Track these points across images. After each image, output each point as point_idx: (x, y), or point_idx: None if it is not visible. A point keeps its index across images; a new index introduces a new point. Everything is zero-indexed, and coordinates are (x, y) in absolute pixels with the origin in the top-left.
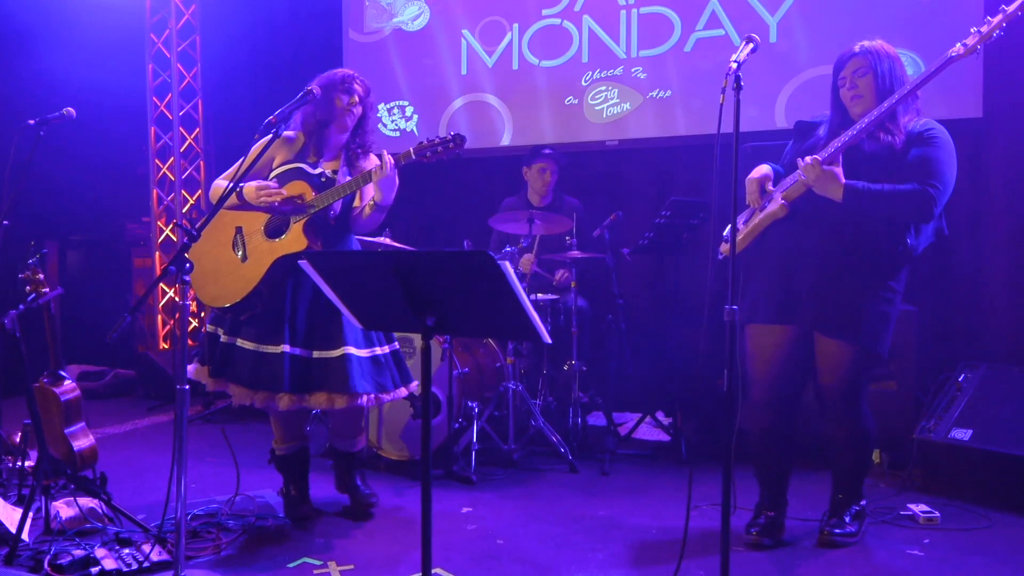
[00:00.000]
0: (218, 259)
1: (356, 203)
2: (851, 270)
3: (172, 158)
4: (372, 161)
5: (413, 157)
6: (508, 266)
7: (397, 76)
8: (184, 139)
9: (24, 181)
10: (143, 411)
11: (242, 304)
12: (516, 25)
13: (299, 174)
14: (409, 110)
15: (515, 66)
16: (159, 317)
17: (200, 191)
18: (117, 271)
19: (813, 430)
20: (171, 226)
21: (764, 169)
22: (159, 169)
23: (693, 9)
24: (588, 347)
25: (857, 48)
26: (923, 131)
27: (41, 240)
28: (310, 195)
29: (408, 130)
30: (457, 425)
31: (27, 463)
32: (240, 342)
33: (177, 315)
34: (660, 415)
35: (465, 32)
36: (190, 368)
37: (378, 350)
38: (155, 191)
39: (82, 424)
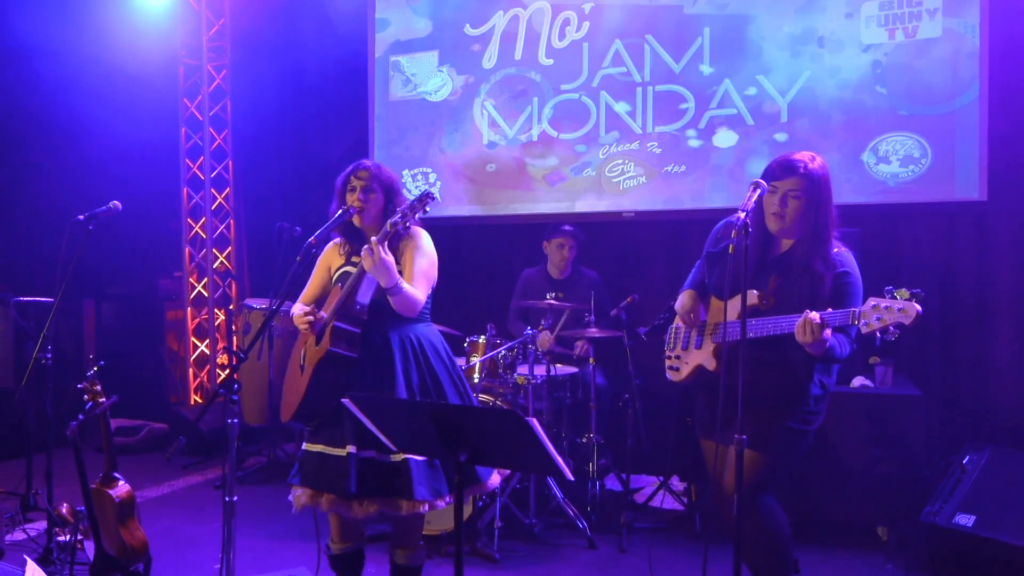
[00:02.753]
0: (292, 373)
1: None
2: (771, 400)
3: (204, 217)
4: (411, 237)
5: (388, 231)
6: (536, 423)
7: (421, 143)
8: (215, 199)
9: (75, 272)
10: (178, 469)
11: (299, 413)
12: (536, 98)
13: (343, 278)
14: (432, 176)
15: (535, 137)
16: (190, 370)
17: (231, 247)
18: (150, 323)
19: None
20: (203, 282)
21: (689, 304)
22: (191, 228)
23: (706, 88)
24: (606, 421)
25: (801, 168)
26: (839, 273)
27: (78, 296)
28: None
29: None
30: (481, 503)
31: (79, 536)
32: (308, 445)
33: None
34: (675, 479)
35: (487, 103)
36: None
37: None
38: (187, 249)
39: (134, 523)
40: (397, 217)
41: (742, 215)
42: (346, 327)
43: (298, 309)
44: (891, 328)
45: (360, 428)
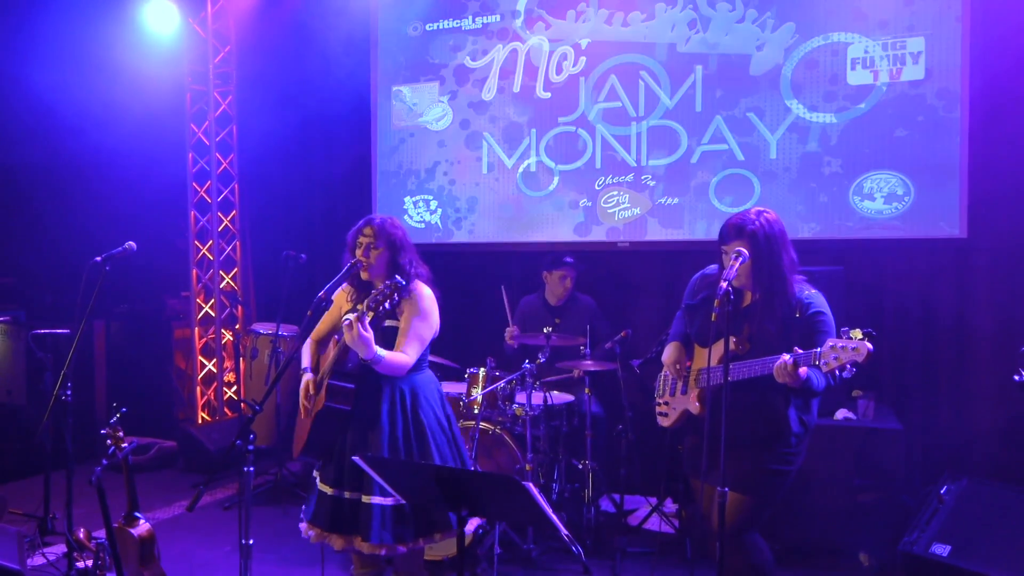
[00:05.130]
0: (300, 415)
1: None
2: (753, 443)
3: (211, 239)
4: (412, 298)
5: (364, 312)
6: (532, 487)
7: (422, 171)
8: (221, 221)
9: (91, 311)
10: (187, 487)
11: (303, 453)
12: (534, 130)
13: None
14: (433, 204)
15: (532, 168)
16: (198, 388)
17: (236, 268)
18: (159, 342)
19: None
20: (210, 303)
21: (675, 355)
22: (198, 250)
23: (699, 124)
24: (602, 448)
25: (743, 230)
26: (811, 313)
27: (90, 317)
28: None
29: (432, 223)
30: (481, 531)
31: (98, 562)
32: (319, 481)
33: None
34: (667, 501)
35: (486, 134)
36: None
37: None
38: (194, 270)
39: (154, 560)
40: (372, 303)
41: (724, 284)
42: (340, 384)
43: (306, 375)
44: (847, 366)
45: (340, 469)
